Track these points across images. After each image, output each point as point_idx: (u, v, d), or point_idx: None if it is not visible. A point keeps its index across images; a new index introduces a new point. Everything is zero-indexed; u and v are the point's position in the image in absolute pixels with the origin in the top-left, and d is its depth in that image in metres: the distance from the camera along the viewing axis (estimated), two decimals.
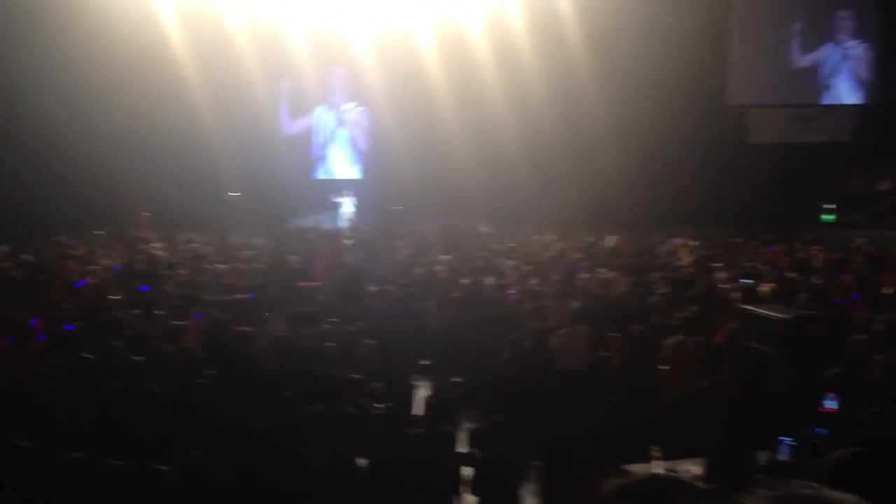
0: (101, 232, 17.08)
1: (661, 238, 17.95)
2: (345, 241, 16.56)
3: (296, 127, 26.16)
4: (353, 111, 26.23)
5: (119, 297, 10.34)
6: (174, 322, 8.60)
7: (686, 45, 22.72)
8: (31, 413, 6.39)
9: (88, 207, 20.00)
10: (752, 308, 8.89)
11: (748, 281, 11.50)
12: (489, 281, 11.95)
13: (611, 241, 17.16)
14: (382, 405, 6.82)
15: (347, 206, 23.79)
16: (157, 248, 14.89)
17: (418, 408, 7.45)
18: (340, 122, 26.28)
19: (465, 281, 11.62)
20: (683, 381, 7.75)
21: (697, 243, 17.16)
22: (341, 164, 26.51)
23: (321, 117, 26.30)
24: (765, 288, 10.89)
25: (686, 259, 14.91)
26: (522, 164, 23.17)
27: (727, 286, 11.57)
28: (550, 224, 20.72)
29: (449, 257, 14.06)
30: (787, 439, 5.54)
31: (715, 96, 24.84)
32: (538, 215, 22.11)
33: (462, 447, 6.58)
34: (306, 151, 26.38)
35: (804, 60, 25.57)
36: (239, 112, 24.18)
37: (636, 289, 11.34)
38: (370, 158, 26.28)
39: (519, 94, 23.58)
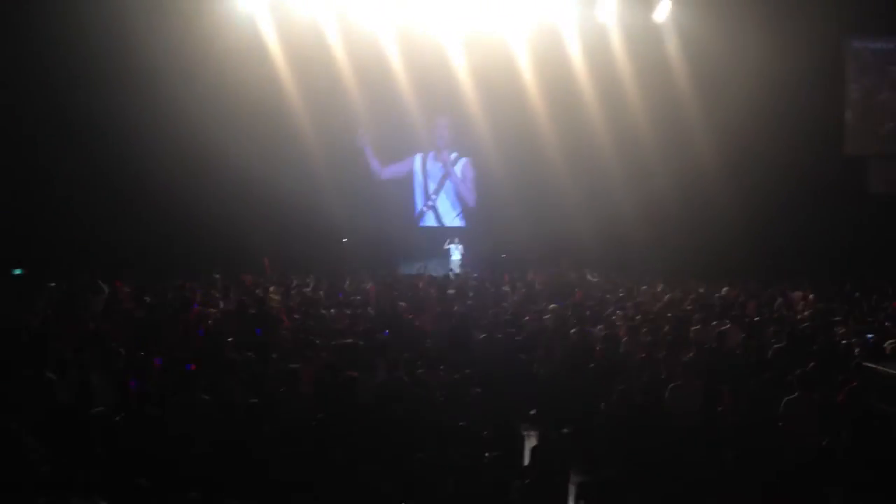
0: (218, 275, 17.57)
1: (778, 290, 17.41)
2: (452, 289, 16.59)
3: (390, 172, 26.52)
4: (459, 163, 26.52)
5: (234, 340, 10.59)
6: (288, 365, 8.75)
7: (802, 93, 22.21)
8: (149, 452, 6.59)
9: (208, 251, 20.72)
10: (875, 365, 8.53)
11: (871, 336, 11.06)
12: (597, 330, 11.83)
13: (725, 292, 16.75)
14: (491, 454, 6.79)
15: (455, 253, 24.00)
16: (272, 292, 15.24)
17: (527, 457, 7.39)
18: (446, 173, 26.57)
19: (573, 330, 11.53)
20: (802, 439, 7.47)
21: (815, 296, 16.59)
22: (448, 213, 26.77)
23: (426, 165, 26.63)
24: (888, 344, 10.45)
25: (804, 312, 14.42)
26: (633, 212, 22.96)
27: (847, 341, 11.14)
28: (661, 273, 20.38)
29: (555, 305, 13.95)
30: None
31: (832, 146, 24.16)
32: (649, 264, 21.81)
33: (571, 500, 6.49)
34: (410, 197, 26.74)
35: None
36: (347, 158, 24.78)
37: (751, 342, 11.01)
38: (477, 207, 26.47)
39: (629, 141, 23.42)
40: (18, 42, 20.18)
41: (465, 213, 26.71)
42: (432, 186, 26.70)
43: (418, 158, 26.65)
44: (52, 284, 15.82)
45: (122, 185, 21.34)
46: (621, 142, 23.45)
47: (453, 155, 26.57)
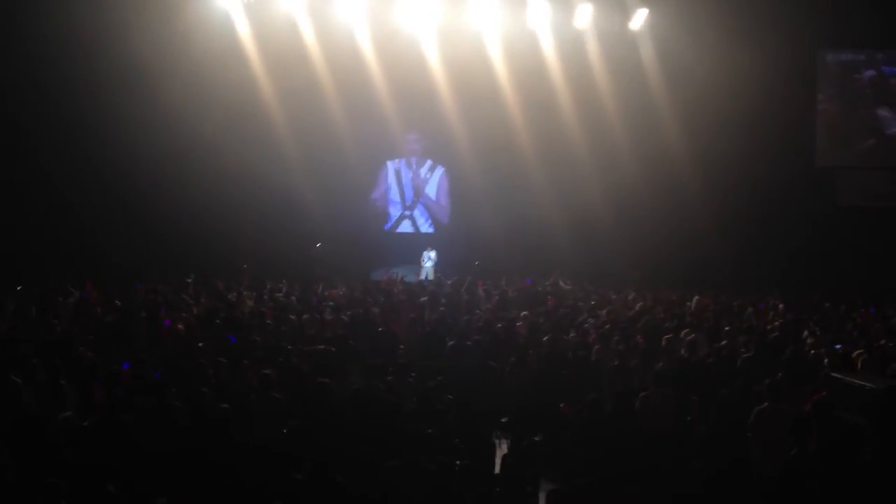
0: (189, 279, 17.39)
1: (748, 300, 17.55)
2: (425, 296, 16.55)
3: (376, 189, 26.58)
4: (435, 172, 26.46)
5: (204, 345, 10.49)
6: (259, 371, 8.69)
7: (775, 103, 22.40)
8: (117, 458, 6.51)
9: (181, 254, 20.58)
10: (842, 376, 8.59)
11: (839, 347, 11.17)
12: (570, 338, 11.86)
13: (696, 301, 16.86)
14: (462, 462, 6.77)
15: (428, 261, 23.98)
16: (245, 298, 15.14)
17: (498, 465, 7.39)
18: (421, 182, 26.50)
19: (545, 338, 11.54)
20: (770, 450, 7.52)
21: (784, 306, 16.73)
22: (422, 221, 26.72)
23: (401, 175, 26.56)
24: (855, 355, 10.55)
25: (774, 322, 14.54)
26: (607, 221, 23.03)
27: (816, 351, 11.24)
28: (634, 282, 20.47)
29: (525, 313, 13.96)
30: None
31: (804, 158, 24.40)
32: (622, 273, 21.91)
33: None
34: (384, 205, 26.67)
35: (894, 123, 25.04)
36: (324, 165, 24.60)
37: (721, 351, 11.09)
38: (451, 214, 26.43)
39: (604, 147, 23.48)
40: None
41: (439, 222, 26.63)
42: (408, 195, 26.62)
43: (391, 166, 26.55)
44: (20, 287, 15.60)
45: (96, 187, 21.10)
46: (596, 147, 23.48)
47: (427, 163, 26.52)
